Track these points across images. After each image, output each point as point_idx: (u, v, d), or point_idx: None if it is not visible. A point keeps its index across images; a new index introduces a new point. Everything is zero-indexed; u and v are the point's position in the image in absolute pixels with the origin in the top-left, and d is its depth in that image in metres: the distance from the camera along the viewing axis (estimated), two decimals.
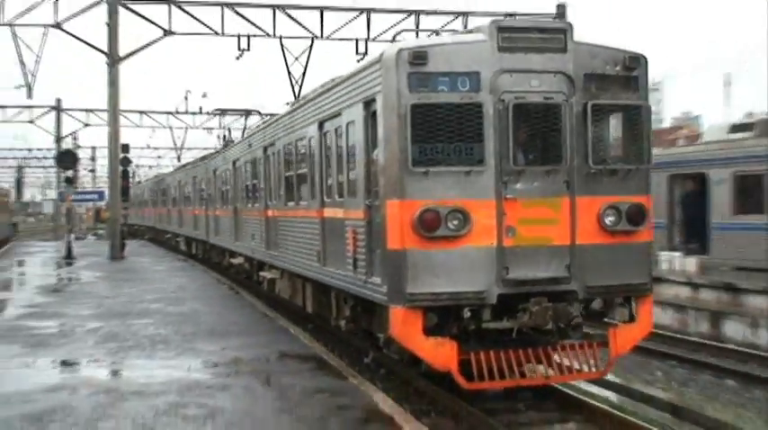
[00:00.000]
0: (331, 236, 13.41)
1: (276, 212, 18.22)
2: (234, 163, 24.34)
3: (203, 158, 34.81)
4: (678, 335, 20.16)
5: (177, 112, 62.15)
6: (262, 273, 20.82)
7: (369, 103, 11.14)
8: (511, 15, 30.99)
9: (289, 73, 30.12)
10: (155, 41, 35.32)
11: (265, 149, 19.07)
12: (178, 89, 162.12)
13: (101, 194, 52.19)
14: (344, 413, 9.83)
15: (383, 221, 10.57)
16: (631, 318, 11.14)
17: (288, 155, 16.76)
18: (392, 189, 10.33)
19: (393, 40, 15.15)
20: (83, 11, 35.33)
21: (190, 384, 11.29)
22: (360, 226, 11.66)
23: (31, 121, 59.91)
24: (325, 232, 13.80)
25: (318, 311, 15.76)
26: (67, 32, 35.58)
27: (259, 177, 20.09)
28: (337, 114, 12.74)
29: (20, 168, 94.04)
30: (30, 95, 41.62)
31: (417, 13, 35.25)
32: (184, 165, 43.79)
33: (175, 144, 69.09)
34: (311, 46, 33.26)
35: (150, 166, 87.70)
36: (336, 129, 12.92)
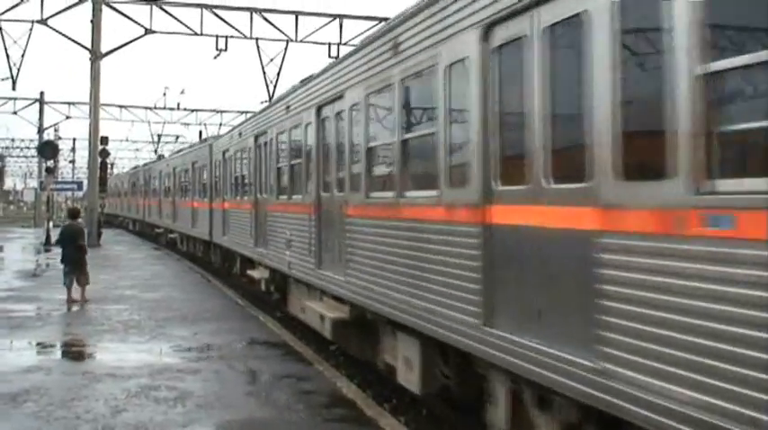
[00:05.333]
0: None
1: None
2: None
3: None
4: None
5: (156, 107, 61.73)
6: None
7: None
8: None
9: (264, 73, 29.94)
10: (136, 39, 35.25)
11: None
12: (157, 85, 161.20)
13: (79, 185, 51.48)
14: (310, 397, 9.67)
15: None
16: None
17: None
18: None
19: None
20: (68, 8, 35.07)
21: (161, 368, 11.08)
22: None
23: (14, 113, 59.15)
24: None
25: None
26: (52, 28, 35.26)
27: None
28: None
29: (2, 157, 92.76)
30: (14, 87, 41.21)
31: (387, 20, 35.16)
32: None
33: (152, 137, 68.66)
34: (286, 48, 33.17)
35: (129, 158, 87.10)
36: None
